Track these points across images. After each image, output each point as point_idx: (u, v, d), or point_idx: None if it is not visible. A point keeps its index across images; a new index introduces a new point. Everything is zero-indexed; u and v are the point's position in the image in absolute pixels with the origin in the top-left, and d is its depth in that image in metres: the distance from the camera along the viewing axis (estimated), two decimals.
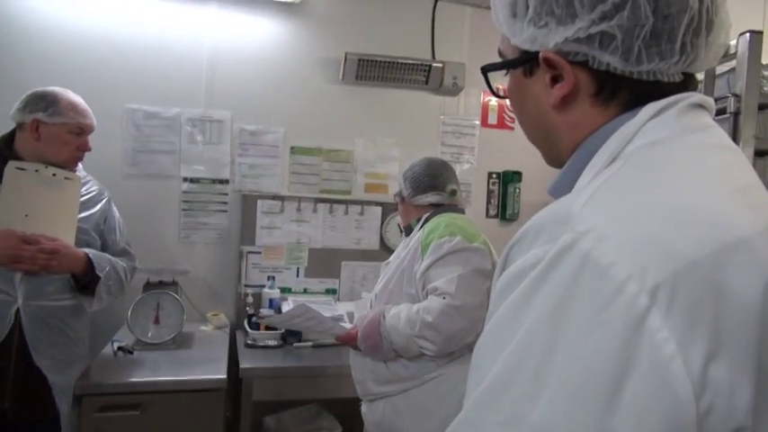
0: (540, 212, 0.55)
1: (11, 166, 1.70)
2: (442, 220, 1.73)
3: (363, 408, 1.79)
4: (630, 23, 0.55)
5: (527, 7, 0.60)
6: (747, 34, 1.66)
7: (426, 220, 1.79)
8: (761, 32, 1.66)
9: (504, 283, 0.54)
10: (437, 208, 1.81)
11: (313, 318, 1.78)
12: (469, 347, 1.57)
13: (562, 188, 0.62)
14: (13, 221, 1.67)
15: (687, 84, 0.60)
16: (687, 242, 0.46)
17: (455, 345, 1.60)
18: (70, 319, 1.83)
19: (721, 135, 0.59)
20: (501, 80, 0.72)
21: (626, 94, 0.59)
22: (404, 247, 1.83)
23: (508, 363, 0.49)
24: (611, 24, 0.55)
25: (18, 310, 1.68)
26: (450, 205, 1.83)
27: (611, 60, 0.57)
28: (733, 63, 1.72)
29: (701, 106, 0.59)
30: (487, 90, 2.83)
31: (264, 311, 2.48)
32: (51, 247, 1.66)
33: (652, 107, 0.57)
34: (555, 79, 0.61)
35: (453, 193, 1.82)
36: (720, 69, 1.81)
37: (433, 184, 1.81)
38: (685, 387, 0.43)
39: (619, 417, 0.43)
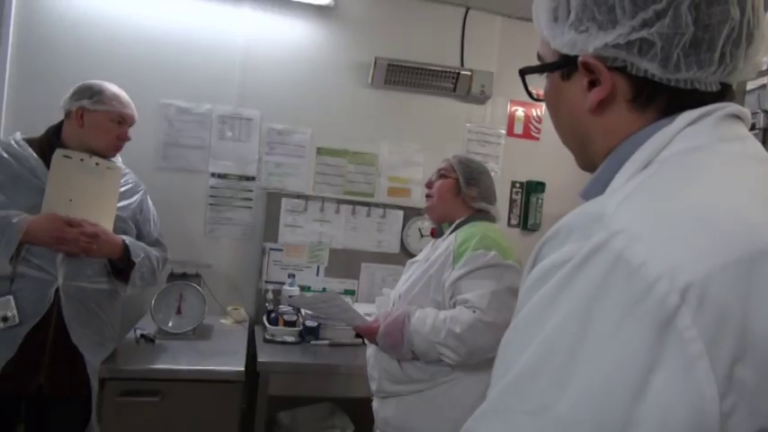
0: (573, 211, 0.56)
1: (58, 153, 1.78)
2: (476, 229, 1.71)
3: (375, 403, 1.79)
4: (671, 31, 0.56)
5: (568, 12, 0.62)
6: None
7: (459, 225, 1.77)
8: None
9: (535, 277, 0.54)
10: (474, 214, 1.80)
11: (338, 306, 1.77)
12: (488, 361, 1.57)
13: (594, 191, 0.62)
14: (59, 206, 1.75)
15: (724, 94, 0.60)
16: (719, 245, 0.47)
17: (476, 359, 1.58)
18: (105, 303, 1.89)
19: (757, 146, 0.59)
20: (537, 84, 0.74)
21: (663, 100, 0.59)
22: (432, 250, 1.81)
23: (536, 354, 0.50)
24: (652, 32, 0.56)
25: (58, 290, 1.75)
26: (488, 215, 1.83)
27: (649, 67, 0.58)
28: (764, 80, 1.72)
29: (737, 117, 0.59)
30: (515, 100, 2.83)
31: (290, 291, 2.56)
32: (92, 231, 1.75)
33: (689, 114, 0.57)
34: (592, 83, 0.62)
35: (496, 211, 1.87)
36: (751, 86, 1.81)
37: (494, 197, 1.84)
38: (710, 386, 0.43)
39: (644, 411, 0.43)
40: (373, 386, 1.78)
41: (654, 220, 0.50)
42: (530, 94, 0.75)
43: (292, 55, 2.77)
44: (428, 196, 1.86)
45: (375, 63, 2.74)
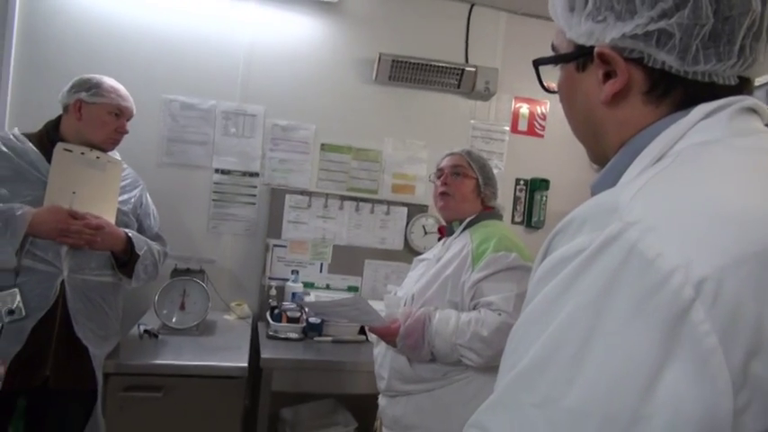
0: (586, 202, 0.55)
1: (59, 147, 1.78)
2: (493, 229, 1.69)
3: (382, 401, 1.76)
4: (690, 22, 0.55)
5: (586, 1, 0.61)
6: None
7: (470, 224, 1.75)
8: None
9: (547, 268, 0.53)
10: (483, 212, 1.79)
11: (359, 309, 1.72)
12: None
13: (605, 183, 0.61)
14: (61, 198, 1.75)
15: (742, 88, 0.59)
16: (735, 239, 0.46)
17: (497, 362, 1.56)
18: (109, 296, 1.90)
19: None
20: (548, 76, 0.73)
21: (678, 93, 0.58)
22: (444, 249, 1.77)
23: (546, 346, 0.49)
24: (671, 22, 0.55)
25: (63, 282, 1.75)
26: (496, 211, 1.83)
27: (666, 59, 0.57)
28: None
29: (753, 111, 0.58)
30: (519, 96, 2.80)
31: (294, 287, 2.60)
32: (96, 223, 1.75)
33: (704, 107, 0.56)
34: (608, 75, 0.61)
35: (502, 207, 1.89)
36: (760, 81, 1.80)
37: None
38: (725, 380, 0.42)
39: (655, 405, 0.43)
40: (382, 385, 1.74)
41: (669, 212, 0.49)
42: (543, 85, 0.74)
43: (296, 51, 2.76)
44: (445, 194, 1.78)
45: (379, 59, 2.73)
